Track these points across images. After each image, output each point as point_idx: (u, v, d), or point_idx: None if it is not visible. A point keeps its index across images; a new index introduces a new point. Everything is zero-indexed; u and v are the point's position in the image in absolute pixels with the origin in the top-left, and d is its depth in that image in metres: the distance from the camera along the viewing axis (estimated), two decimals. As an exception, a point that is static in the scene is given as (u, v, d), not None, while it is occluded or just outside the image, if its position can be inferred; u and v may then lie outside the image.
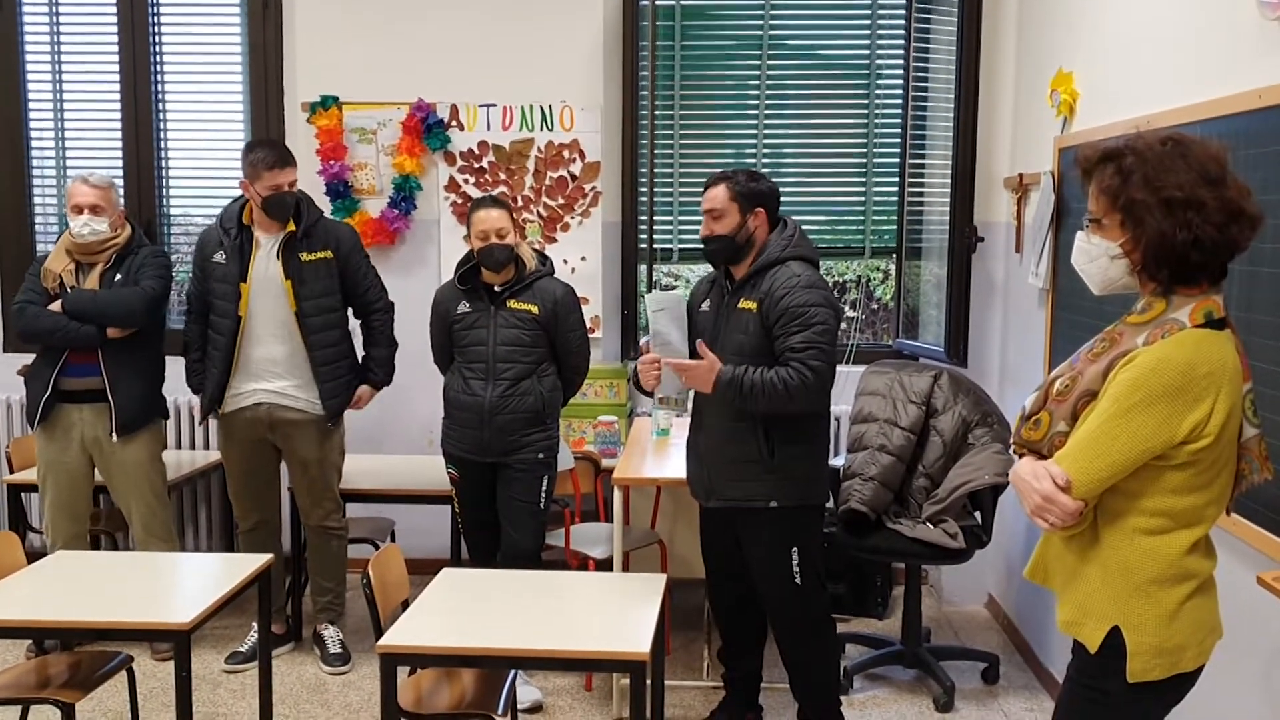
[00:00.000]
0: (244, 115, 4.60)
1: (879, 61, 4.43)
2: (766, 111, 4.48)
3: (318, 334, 3.54)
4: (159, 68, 4.61)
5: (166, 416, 3.82)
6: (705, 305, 3.08)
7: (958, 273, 4.15)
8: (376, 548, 3.68)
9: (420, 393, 4.24)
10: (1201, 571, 1.80)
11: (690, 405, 3.14)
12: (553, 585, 2.82)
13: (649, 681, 2.47)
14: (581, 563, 3.66)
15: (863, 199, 4.52)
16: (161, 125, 4.64)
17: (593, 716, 3.39)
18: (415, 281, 4.45)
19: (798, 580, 2.97)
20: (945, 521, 3.42)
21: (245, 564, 2.89)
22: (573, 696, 3.51)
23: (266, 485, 3.74)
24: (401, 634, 2.46)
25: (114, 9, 4.55)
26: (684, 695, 3.55)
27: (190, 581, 2.86)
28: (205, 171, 4.69)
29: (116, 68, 4.59)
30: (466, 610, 2.64)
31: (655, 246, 4.49)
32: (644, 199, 4.39)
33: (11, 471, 4.06)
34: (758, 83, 4.47)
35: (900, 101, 4.39)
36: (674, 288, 5.86)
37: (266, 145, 3.57)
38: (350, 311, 3.70)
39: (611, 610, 2.65)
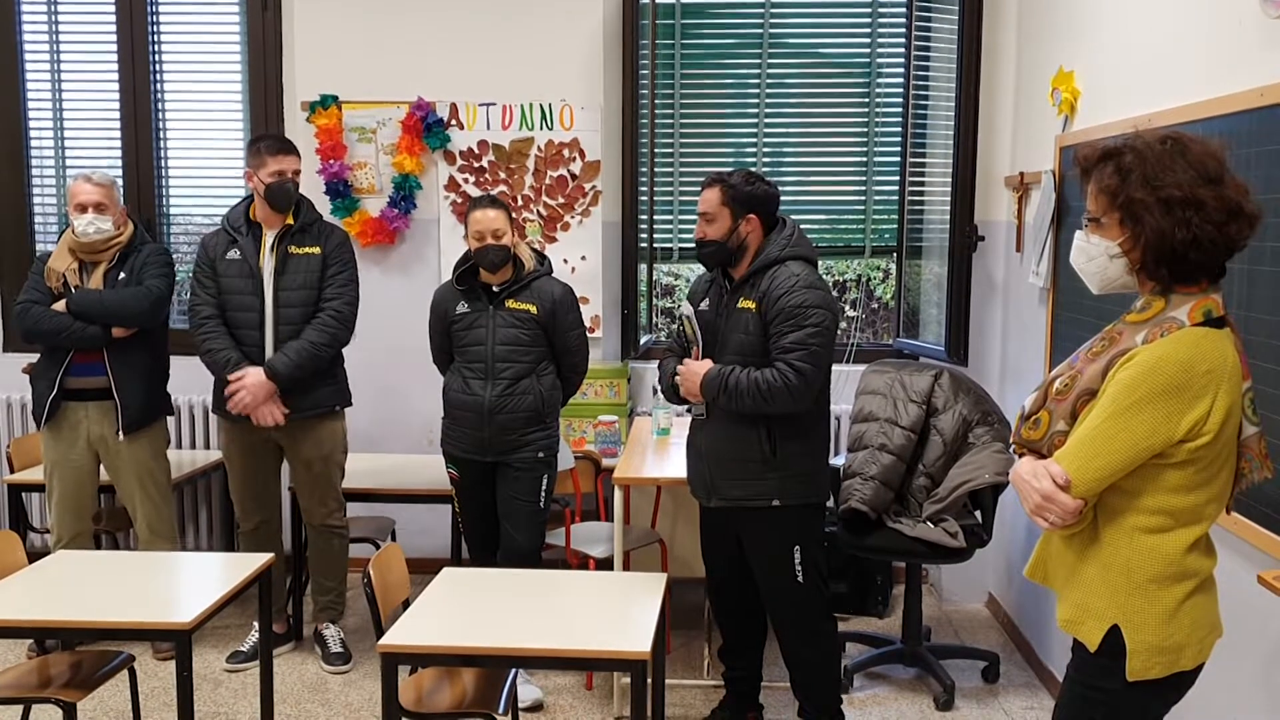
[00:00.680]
0: (243, 114, 4.60)
1: (879, 60, 4.42)
2: (766, 110, 4.48)
3: (286, 325, 3.52)
4: (158, 67, 4.62)
5: (171, 414, 3.83)
6: (704, 304, 3.07)
7: (958, 272, 4.15)
8: (377, 547, 3.68)
9: (420, 392, 4.25)
10: (1201, 570, 1.80)
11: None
12: (553, 584, 2.82)
13: (649, 680, 2.47)
14: (582, 562, 3.66)
15: (863, 198, 4.52)
16: (161, 124, 4.64)
17: (593, 715, 3.39)
18: (415, 281, 4.46)
19: (799, 579, 2.97)
20: (945, 520, 3.42)
21: (246, 563, 2.90)
22: (573, 695, 3.52)
23: (268, 485, 3.74)
24: (402, 633, 2.46)
25: (113, 8, 4.55)
26: (684, 694, 3.55)
27: (191, 581, 2.86)
28: (205, 171, 4.69)
29: (115, 67, 4.59)
30: (467, 609, 2.64)
31: (655, 246, 4.49)
32: (644, 198, 4.38)
33: (12, 471, 4.06)
34: (758, 81, 4.47)
35: (901, 100, 4.39)
36: (676, 288, 5.86)
37: (271, 135, 3.61)
38: None
39: (612, 609, 2.65)
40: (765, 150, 4.51)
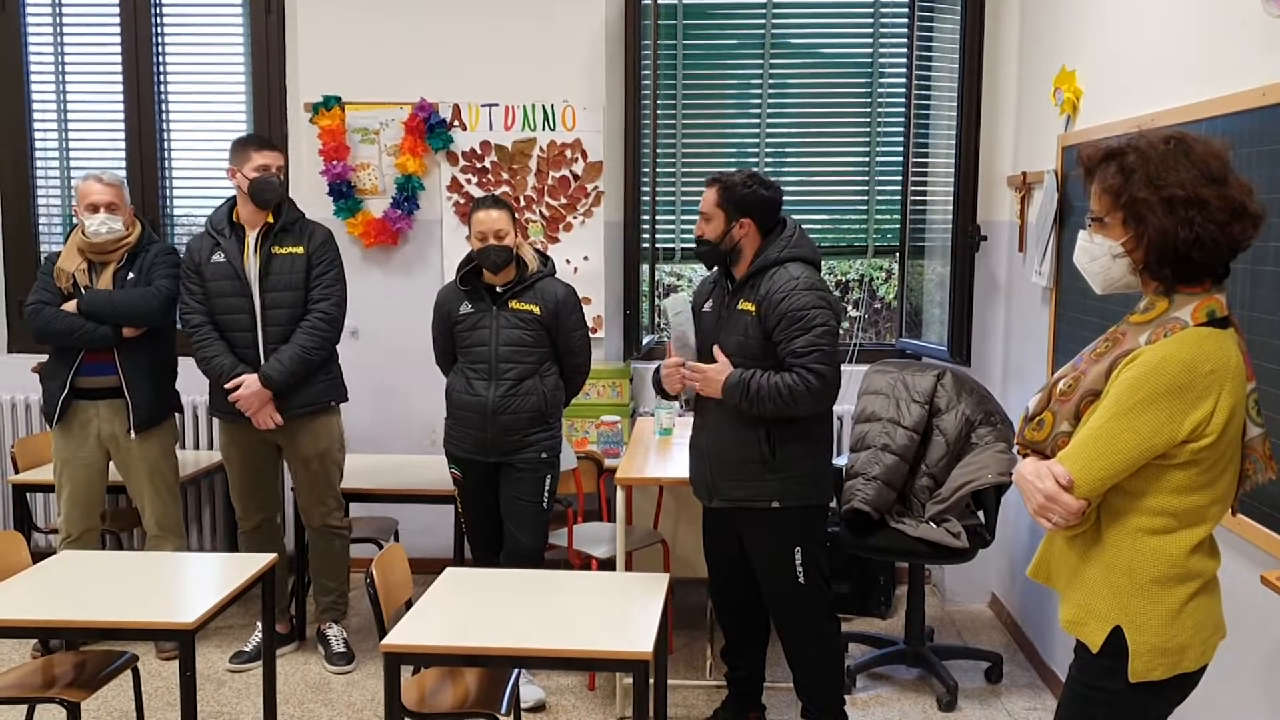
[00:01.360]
0: (246, 115, 4.61)
1: (882, 60, 4.42)
2: (769, 110, 4.48)
3: (274, 327, 3.52)
4: (162, 68, 4.62)
5: (180, 411, 3.85)
6: (707, 306, 3.07)
7: (961, 272, 4.15)
8: (380, 547, 3.69)
9: (423, 393, 4.25)
10: (1205, 571, 1.80)
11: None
12: (556, 585, 2.82)
13: (652, 681, 2.47)
14: (584, 562, 3.66)
15: (865, 198, 4.52)
16: (164, 126, 4.65)
17: (596, 716, 3.39)
18: (418, 282, 4.46)
19: (801, 580, 2.97)
20: (948, 521, 3.42)
21: (249, 563, 2.90)
22: (576, 696, 3.52)
23: (268, 485, 3.75)
24: (405, 633, 2.46)
25: (116, 9, 4.56)
26: (687, 694, 3.55)
27: (195, 581, 2.87)
28: (208, 172, 4.69)
29: (119, 68, 4.60)
30: (470, 610, 2.64)
31: (657, 246, 4.49)
32: (646, 198, 4.38)
33: (17, 471, 4.07)
34: (760, 81, 4.47)
35: (903, 100, 4.38)
36: (677, 288, 5.86)
37: (254, 134, 3.66)
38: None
39: (614, 610, 2.65)
40: (768, 150, 4.51)
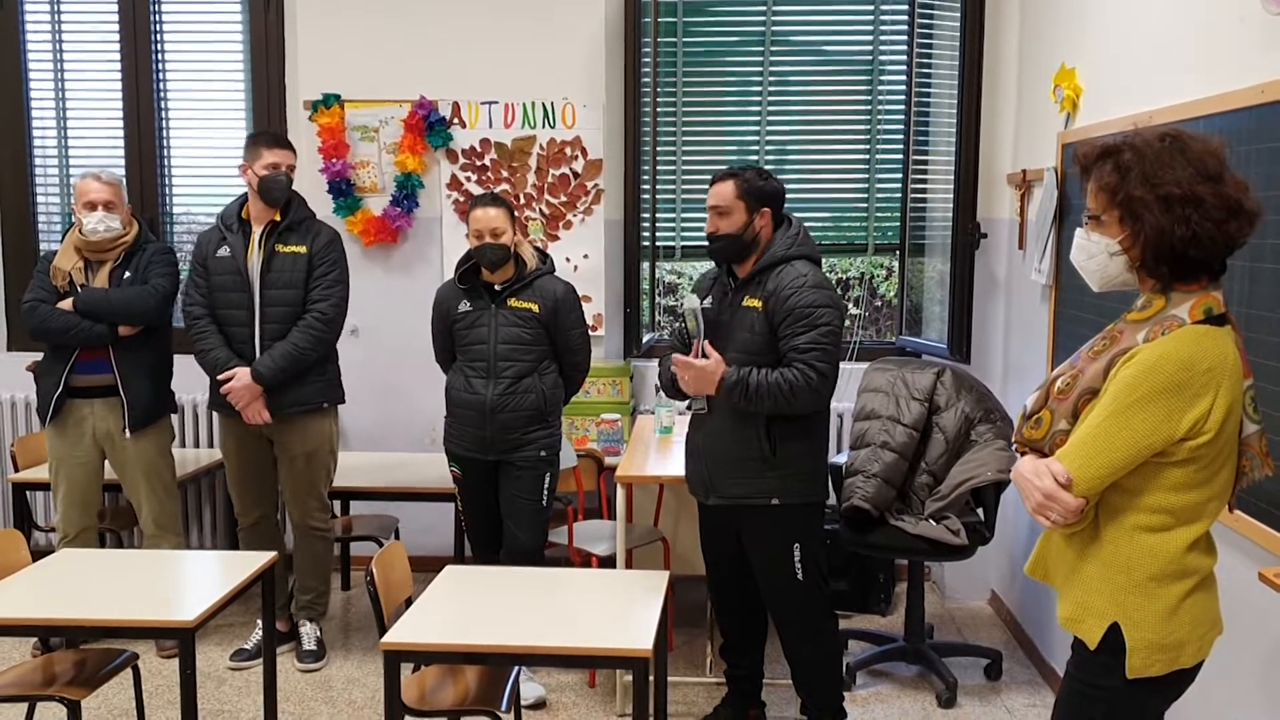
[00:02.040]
0: (246, 113, 4.61)
1: (882, 57, 4.42)
2: (769, 108, 4.48)
3: (271, 324, 3.52)
4: (161, 66, 4.62)
5: (176, 411, 3.85)
6: (708, 302, 3.07)
7: (961, 269, 4.15)
8: (380, 545, 3.69)
9: (423, 391, 4.25)
10: (1202, 568, 1.80)
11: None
12: (556, 582, 2.83)
13: (652, 678, 2.47)
14: (584, 560, 3.66)
15: (866, 196, 4.52)
16: (164, 123, 4.65)
17: (596, 713, 3.39)
18: (417, 280, 4.46)
19: (799, 577, 2.97)
20: (948, 518, 3.42)
21: (249, 561, 2.90)
22: (576, 693, 3.52)
23: (264, 480, 3.74)
24: (405, 631, 2.47)
25: (115, 7, 4.56)
26: (686, 691, 3.56)
27: (195, 579, 2.87)
28: (207, 170, 4.70)
29: (118, 66, 4.60)
30: (470, 607, 2.64)
31: (658, 244, 4.49)
32: (646, 196, 4.38)
33: (16, 470, 4.07)
34: (760, 79, 4.47)
35: (903, 98, 4.38)
36: (678, 286, 5.86)
37: (268, 131, 3.66)
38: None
39: (614, 607, 2.65)
40: (768, 147, 4.51)
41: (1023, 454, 1.89)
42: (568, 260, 4.40)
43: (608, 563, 3.55)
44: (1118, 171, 1.76)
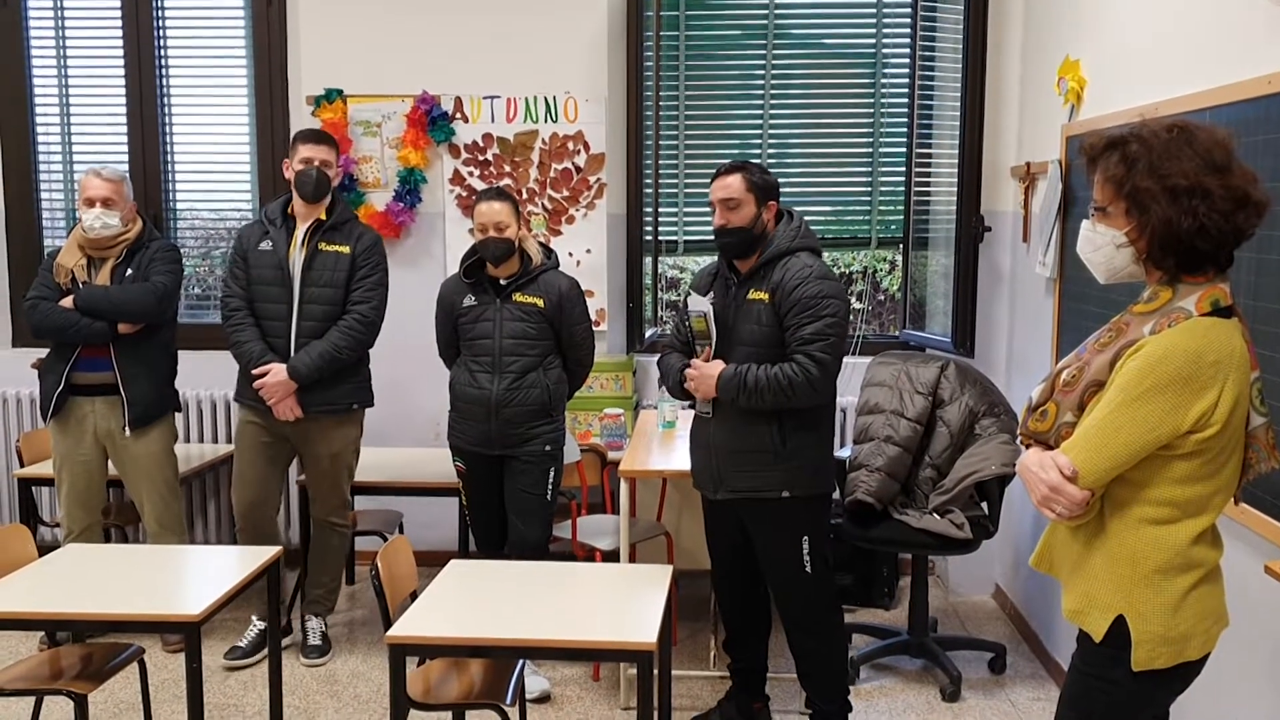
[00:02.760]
0: (249, 109, 4.61)
1: (885, 51, 4.41)
2: (772, 102, 4.47)
3: (308, 322, 3.52)
4: (163, 62, 4.62)
5: (179, 409, 3.84)
6: (711, 298, 3.06)
7: (965, 263, 4.14)
8: (385, 540, 3.69)
9: (427, 386, 4.25)
10: (1208, 561, 1.80)
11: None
12: (560, 576, 2.83)
13: (656, 671, 2.47)
14: (588, 554, 3.67)
15: (869, 189, 4.52)
16: (167, 120, 4.65)
17: (600, 706, 3.40)
18: (420, 274, 4.46)
19: (808, 569, 2.97)
20: (952, 512, 3.42)
21: (254, 556, 2.91)
22: (580, 686, 3.53)
23: (269, 474, 3.66)
24: (410, 625, 2.47)
25: (118, 3, 4.56)
26: (691, 685, 3.56)
27: (200, 574, 2.87)
28: (211, 166, 4.70)
29: (121, 63, 4.60)
30: (474, 601, 2.65)
31: (660, 239, 4.49)
32: (649, 191, 4.38)
33: (22, 465, 4.08)
34: (763, 73, 4.46)
35: (906, 91, 4.37)
36: (680, 282, 5.85)
37: (310, 128, 3.72)
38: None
39: (619, 601, 2.66)
40: (771, 141, 4.50)
41: (1028, 447, 1.89)
42: (570, 255, 4.40)
43: (611, 557, 3.55)
44: (1124, 163, 1.75)
